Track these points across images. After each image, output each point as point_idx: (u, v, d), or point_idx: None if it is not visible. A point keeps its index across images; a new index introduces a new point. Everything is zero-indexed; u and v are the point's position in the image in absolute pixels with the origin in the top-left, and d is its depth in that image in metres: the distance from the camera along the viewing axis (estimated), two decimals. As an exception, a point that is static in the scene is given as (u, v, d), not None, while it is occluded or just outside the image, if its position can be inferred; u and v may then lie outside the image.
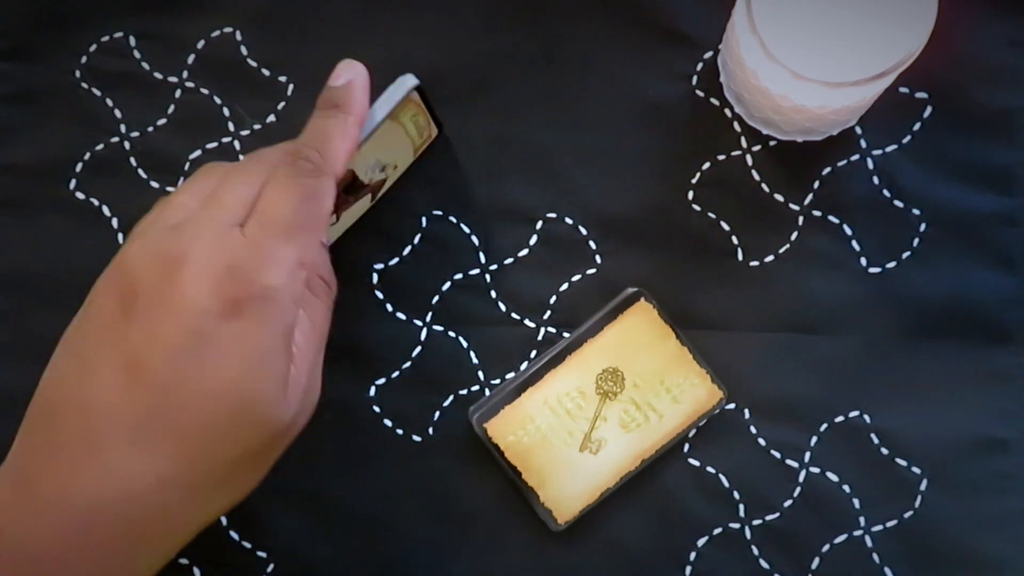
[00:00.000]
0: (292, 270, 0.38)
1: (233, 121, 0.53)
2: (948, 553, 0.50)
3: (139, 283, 0.37)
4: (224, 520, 0.50)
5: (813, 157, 0.52)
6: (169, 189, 0.52)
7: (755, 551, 0.50)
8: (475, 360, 0.51)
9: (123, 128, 0.53)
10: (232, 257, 0.37)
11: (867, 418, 0.51)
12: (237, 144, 0.53)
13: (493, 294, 0.52)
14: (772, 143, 0.52)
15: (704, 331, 0.51)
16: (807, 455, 0.50)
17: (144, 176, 0.52)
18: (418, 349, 0.51)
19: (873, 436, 0.51)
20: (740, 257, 0.52)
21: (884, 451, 0.50)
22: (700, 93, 0.53)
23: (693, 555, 0.50)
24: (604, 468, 0.49)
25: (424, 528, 0.50)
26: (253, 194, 0.40)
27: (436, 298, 0.52)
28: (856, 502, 0.50)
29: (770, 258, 0.52)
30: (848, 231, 0.52)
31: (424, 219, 0.52)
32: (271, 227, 0.39)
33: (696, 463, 0.51)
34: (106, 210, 0.52)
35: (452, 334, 0.51)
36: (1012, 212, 0.52)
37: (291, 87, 0.53)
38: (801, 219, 0.52)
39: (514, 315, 0.52)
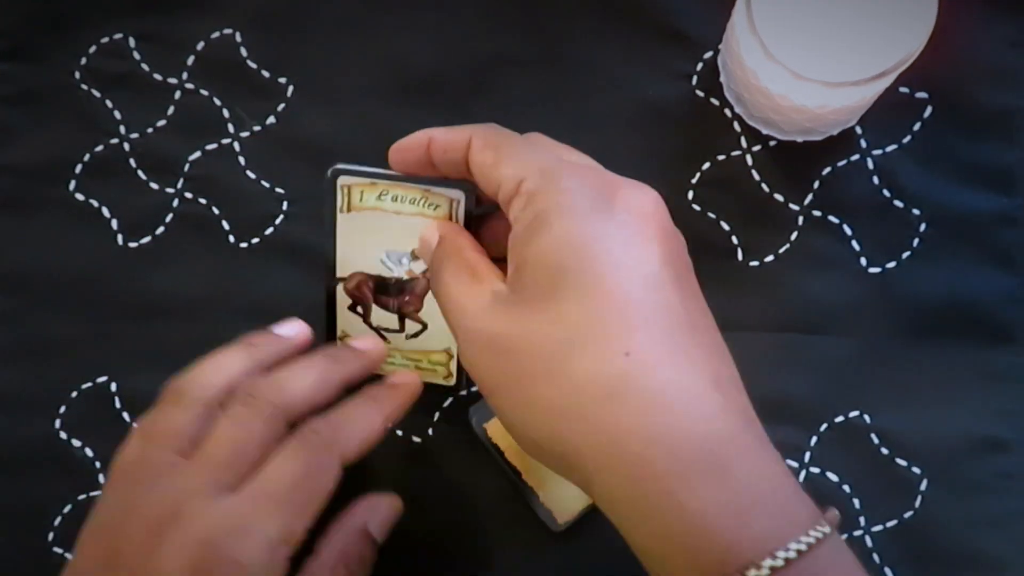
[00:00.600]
0: (272, 546, 0.38)
1: (233, 122, 0.53)
2: (948, 553, 0.50)
3: (123, 546, 0.38)
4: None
5: (813, 157, 0.52)
6: (168, 191, 0.52)
7: (755, 551, 0.50)
8: (475, 360, 0.51)
9: (123, 129, 0.53)
10: (212, 528, 0.38)
11: (867, 418, 0.51)
12: (237, 145, 0.53)
13: (493, 294, 0.52)
14: (772, 143, 0.52)
15: (704, 331, 0.51)
16: (807, 455, 0.50)
17: (144, 177, 0.52)
18: (418, 349, 0.51)
19: (873, 436, 0.51)
20: (740, 257, 0.52)
21: (884, 451, 0.50)
22: (700, 93, 0.53)
23: (693, 555, 0.50)
24: (604, 468, 0.49)
25: (424, 528, 0.50)
26: (246, 450, 0.40)
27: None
28: (856, 502, 0.50)
29: (770, 258, 0.52)
30: (848, 231, 0.52)
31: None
32: (261, 500, 0.39)
33: (696, 463, 0.50)
34: (106, 211, 0.52)
35: (452, 334, 0.51)
36: (1012, 212, 0.52)
37: (291, 88, 0.53)
38: (801, 219, 0.52)
39: (514, 315, 0.51)
